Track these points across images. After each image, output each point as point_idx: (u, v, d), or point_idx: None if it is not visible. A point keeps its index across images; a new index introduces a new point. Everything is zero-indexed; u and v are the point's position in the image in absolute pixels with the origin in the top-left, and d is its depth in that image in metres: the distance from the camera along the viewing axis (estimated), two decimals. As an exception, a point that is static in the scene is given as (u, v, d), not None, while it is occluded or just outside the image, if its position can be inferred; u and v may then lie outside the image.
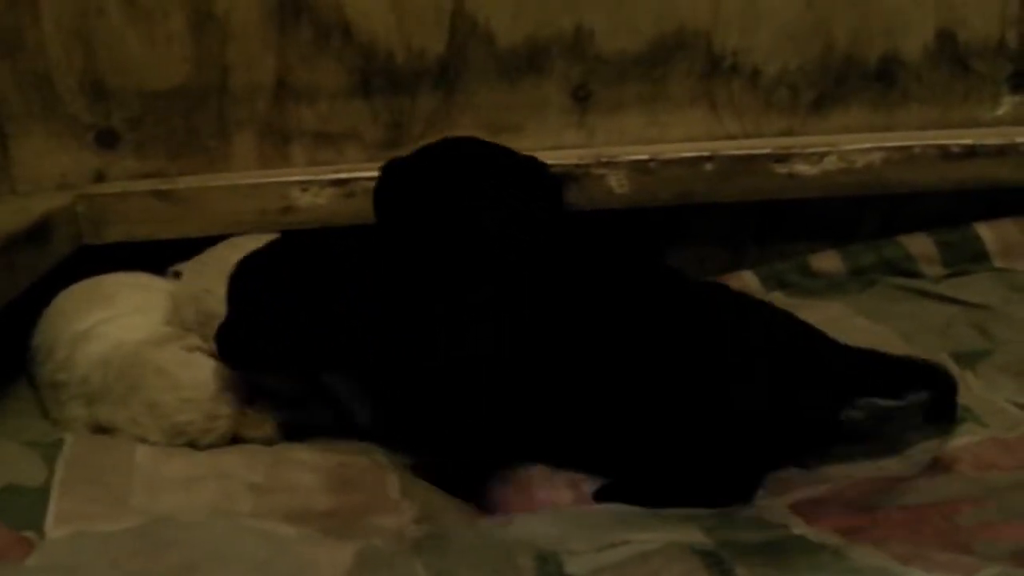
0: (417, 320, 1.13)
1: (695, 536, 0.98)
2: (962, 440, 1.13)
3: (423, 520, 1.09)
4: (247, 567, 0.94)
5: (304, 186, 1.52)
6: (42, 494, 1.05)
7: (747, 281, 1.61)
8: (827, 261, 1.62)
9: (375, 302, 1.12)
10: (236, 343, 1.17)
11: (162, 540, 0.99)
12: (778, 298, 1.56)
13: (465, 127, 1.57)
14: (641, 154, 1.54)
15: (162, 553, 0.96)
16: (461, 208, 1.26)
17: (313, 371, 1.23)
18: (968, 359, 1.32)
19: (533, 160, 1.35)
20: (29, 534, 0.98)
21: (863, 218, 1.65)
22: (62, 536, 0.98)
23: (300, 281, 1.14)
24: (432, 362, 1.11)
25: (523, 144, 1.50)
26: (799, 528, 0.99)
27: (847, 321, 1.43)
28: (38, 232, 1.41)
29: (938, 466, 1.10)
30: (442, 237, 1.24)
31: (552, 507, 1.11)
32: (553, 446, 1.17)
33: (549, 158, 1.44)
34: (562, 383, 1.13)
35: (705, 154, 1.54)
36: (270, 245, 1.21)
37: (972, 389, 1.23)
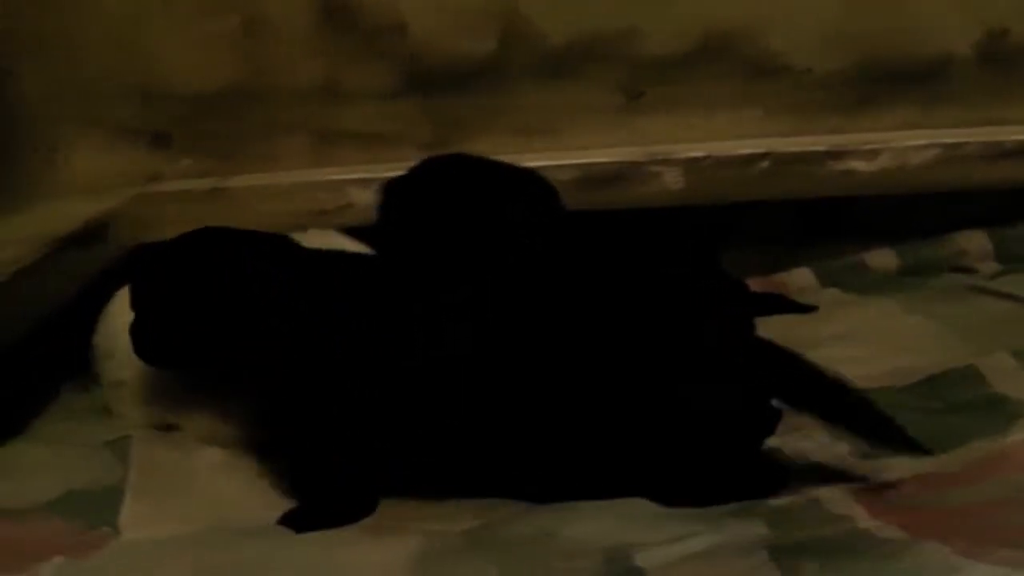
0: (395, 320, 1.11)
1: (760, 530, 0.97)
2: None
3: (474, 515, 1.07)
4: (304, 572, 0.94)
5: (357, 185, 1.52)
6: (115, 493, 1.06)
7: (803, 278, 1.60)
8: (882, 258, 1.61)
9: (344, 302, 1.11)
10: (151, 339, 1.13)
11: (224, 541, 0.99)
12: (834, 295, 1.56)
13: (514, 127, 1.57)
14: (696, 151, 1.53)
15: (223, 552, 0.96)
16: (464, 214, 1.26)
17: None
18: (1026, 355, 1.30)
19: (528, 171, 1.34)
20: (104, 530, 0.99)
21: (917, 215, 1.63)
22: (136, 537, 0.99)
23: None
24: (410, 361, 1.09)
25: (571, 143, 1.52)
26: (864, 521, 0.97)
27: (901, 319, 1.42)
28: (92, 233, 1.43)
29: (999, 462, 1.09)
30: (444, 241, 1.24)
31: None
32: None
33: (600, 157, 1.44)
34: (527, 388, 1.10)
35: (760, 151, 1.54)
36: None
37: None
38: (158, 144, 1.56)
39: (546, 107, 1.56)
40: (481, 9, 1.54)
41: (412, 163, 1.50)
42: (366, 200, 1.48)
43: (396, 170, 1.47)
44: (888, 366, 1.27)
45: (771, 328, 1.38)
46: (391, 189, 1.33)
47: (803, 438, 1.14)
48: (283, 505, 1.07)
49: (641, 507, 1.05)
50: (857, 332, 1.39)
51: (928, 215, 1.64)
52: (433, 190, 1.31)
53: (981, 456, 1.10)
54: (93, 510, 1.01)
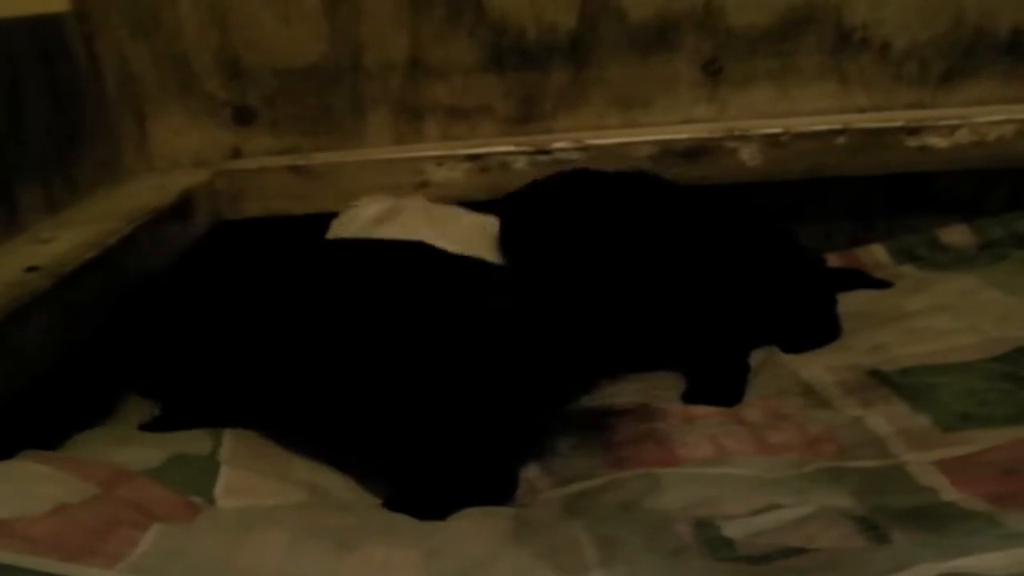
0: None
1: (846, 501, 0.99)
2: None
3: (564, 482, 1.10)
4: (405, 538, 0.95)
5: (439, 161, 1.55)
6: (211, 462, 1.07)
7: (877, 255, 1.61)
8: (957, 235, 1.61)
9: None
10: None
11: (325, 507, 1.02)
12: (909, 271, 1.57)
13: (596, 102, 1.59)
14: (774, 127, 1.54)
15: (325, 517, 0.98)
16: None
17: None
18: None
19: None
20: (197, 499, 1.00)
21: (991, 191, 1.63)
22: (232, 506, 1.01)
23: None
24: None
25: (653, 118, 1.53)
26: (948, 494, 0.99)
27: (980, 294, 1.42)
28: (181, 207, 1.46)
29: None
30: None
31: (692, 462, 1.11)
32: None
33: (680, 132, 1.46)
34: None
35: (837, 127, 1.54)
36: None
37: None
38: (243, 119, 1.58)
39: (626, 83, 1.58)
40: (562, -15, 1.54)
41: (495, 138, 1.53)
42: (444, 177, 1.51)
43: (479, 146, 1.51)
44: (975, 338, 1.28)
45: (853, 303, 1.40)
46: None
47: (887, 407, 1.16)
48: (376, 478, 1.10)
49: (725, 477, 1.07)
50: (940, 306, 1.40)
51: (1002, 190, 1.64)
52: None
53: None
54: (191, 479, 1.03)
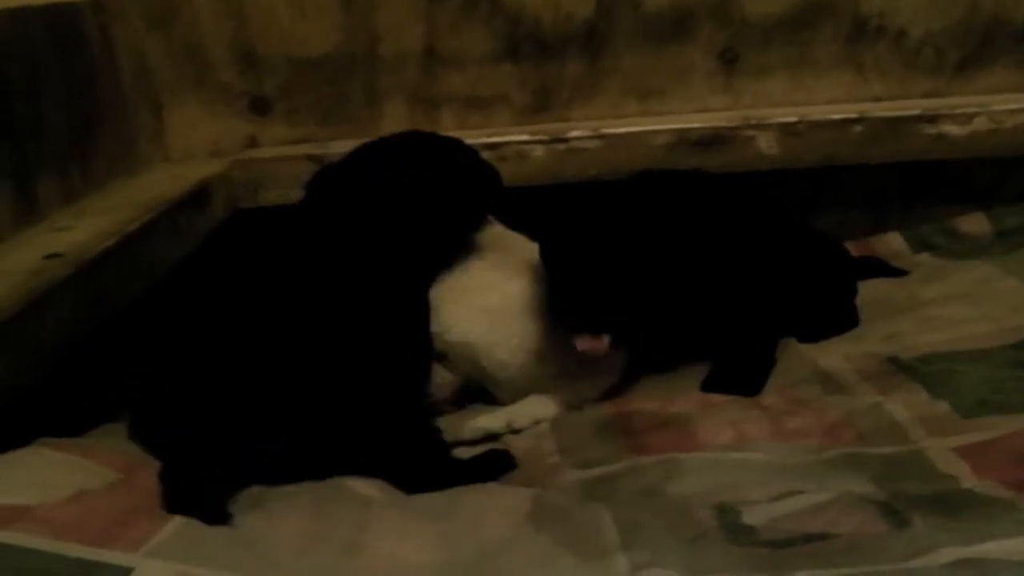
0: None
1: (866, 487, 0.99)
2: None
3: (583, 465, 1.11)
4: (421, 513, 0.96)
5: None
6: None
7: (893, 243, 1.61)
8: (973, 223, 1.61)
9: None
10: None
11: (338, 491, 1.02)
12: (925, 260, 1.57)
13: (611, 91, 1.59)
14: (790, 116, 1.54)
15: (339, 501, 0.99)
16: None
17: None
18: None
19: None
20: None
21: (1008, 179, 1.63)
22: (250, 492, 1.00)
23: None
24: None
25: (668, 107, 1.53)
26: (968, 481, 0.99)
27: (997, 283, 1.43)
28: (198, 196, 1.46)
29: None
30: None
31: (713, 448, 1.12)
32: None
33: (696, 121, 1.46)
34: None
35: (853, 116, 1.54)
36: None
37: None
38: (259, 109, 1.59)
39: (641, 72, 1.58)
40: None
41: (512, 127, 1.53)
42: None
43: (496, 135, 1.51)
44: (991, 326, 1.29)
45: (869, 292, 1.40)
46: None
47: (905, 394, 1.16)
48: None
49: (745, 463, 1.07)
50: (957, 294, 1.41)
51: (1018, 179, 1.64)
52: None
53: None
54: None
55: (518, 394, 1.27)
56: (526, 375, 1.27)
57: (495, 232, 1.37)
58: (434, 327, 1.28)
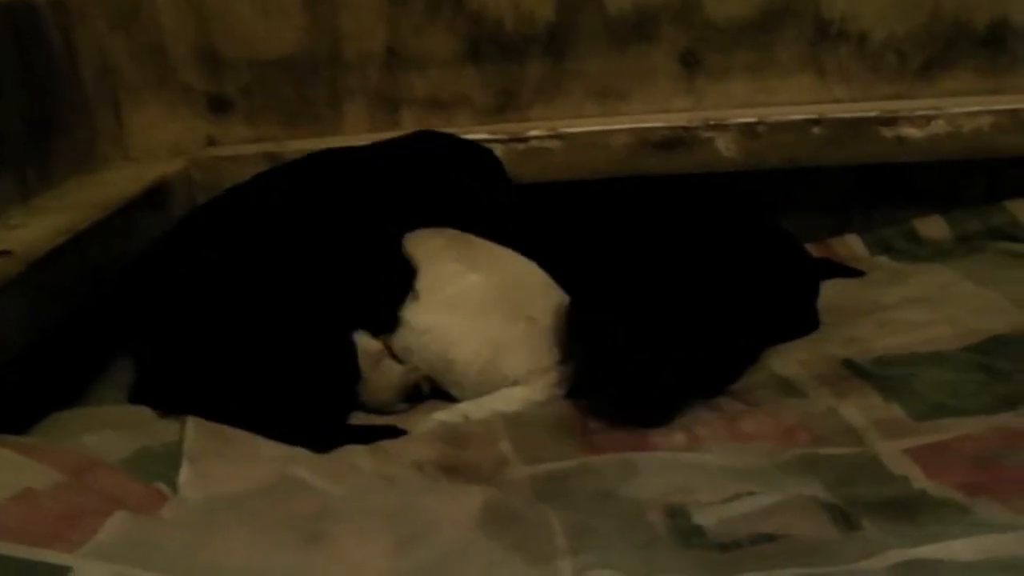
0: None
1: (818, 490, 0.99)
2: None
3: (534, 460, 1.10)
4: (377, 518, 0.95)
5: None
6: (175, 449, 1.08)
7: (853, 246, 1.61)
8: (933, 227, 1.62)
9: None
10: None
11: (292, 493, 1.01)
12: (885, 263, 1.57)
13: (573, 93, 1.59)
14: (749, 117, 1.54)
15: (293, 504, 0.98)
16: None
17: None
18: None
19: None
20: (163, 487, 1.01)
21: (968, 183, 1.64)
22: (197, 495, 1.01)
23: None
24: None
25: (631, 109, 1.52)
26: (920, 482, 0.99)
27: (956, 287, 1.43)
28: (155, 195, 1.45)
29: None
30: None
31: (667, 449, 1.11)
32: None
33: (657, 122, 1.45)
34: None
35: (813, 117, 1.54)
36: None
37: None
38: (219, 108, 1.58)
39: (604, 74, 1.58)
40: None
41: (471, 127, 1.53)
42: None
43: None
44: (949, 329, 1.29)
45: (828, 295, 1.40)
46: None
47: (860, 397, 1.16)
48: (343, 465, 1.10)
49: (699, 465, 1.07)
50: (915, 298, 1.41)
51: (979, 183, 1.65)
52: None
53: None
54: (157, 468, 1.04)
55: (477, 392, 1.27)
56: (487, 372, 1.27)
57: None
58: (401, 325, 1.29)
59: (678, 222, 1.32)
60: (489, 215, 1.39)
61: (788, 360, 1.28)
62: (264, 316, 1.20)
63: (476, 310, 1.28)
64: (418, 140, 1.43)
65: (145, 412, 1.17)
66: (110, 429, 1.10)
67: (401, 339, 1.29)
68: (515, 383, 1.26)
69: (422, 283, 1.30)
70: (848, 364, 1.24)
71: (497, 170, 1.45)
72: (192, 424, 1.13)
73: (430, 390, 1.30)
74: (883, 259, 1.59)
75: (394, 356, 1.30)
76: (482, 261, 1.32)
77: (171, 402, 1.16)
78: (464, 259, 1.32)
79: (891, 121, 1.55)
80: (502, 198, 1.44)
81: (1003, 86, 1.61)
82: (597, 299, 1.23)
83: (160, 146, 1.60)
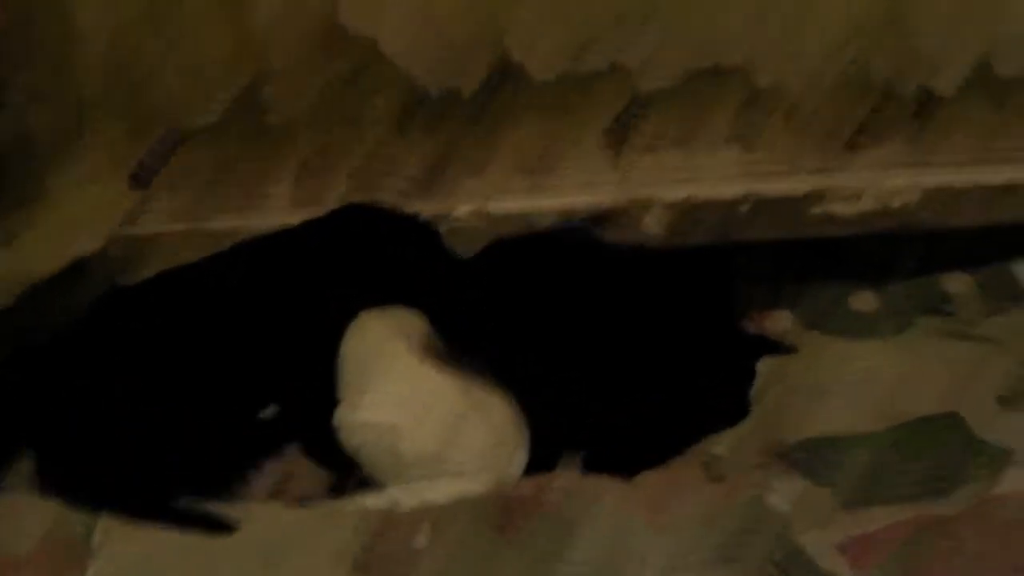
0: None
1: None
2: (1008, 482, 1.15)
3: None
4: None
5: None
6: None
7: (783, 320, 1.60)
8: (863, 300, 1.62)
9: None
10: None
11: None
12: (815, 337, 1.56)
13: (500, 165, 1.56)
14: (677, 194, 1.53)
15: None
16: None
17: None
18: (1009, 401, 1.31)
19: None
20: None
21: (901, 256, 1.63)
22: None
23: None
24: None
25: (556, 183, 1.51)
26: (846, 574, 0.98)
27: (884, 363, 1.44)
28: (71, 274, 1.43)
29: (985, 507, 1.10)
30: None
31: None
32: None
33: (583, 196, 1.44)
34: None
35: (740, 195, 1.54)
36: None
37: (1018, 431, 1.23)
38: (140, 182, 1.54)
39: (529, 147, 1.55)
40: (466, 44, 1.52)
41: (400, 200, 1.51)
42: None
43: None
44: (876, 410, 1.30)
45: (761, 370, 1.40)
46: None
47: (786, 482, 1.15)
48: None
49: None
50: (842, 375, 1.41)
51: (912, 255, 1.64)
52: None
53: (970, 501, 1.11)
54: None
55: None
56: (434, 465, 1.24)
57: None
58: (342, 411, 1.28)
59: (626, 299, 1.31)
60: (432, 288, 1.38)
61: (714, 442, 1.27)
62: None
63: (427, 403, 1.26)
64: (349, 214, 1.42)
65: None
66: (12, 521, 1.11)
67: (348, 436, 1.27)
68: (459, 474, 1.24)
69: (367, 377, 1.29)
70: (775, 447, 1.23)
71: (435, 241, 1.44)
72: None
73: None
74: (814, 334, 1.58)
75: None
76: (430, 350, 1.30)
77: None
78: (413, 350, 1.30)
79: (820, 198, 1.55)
80: (443, 269, 1.43)
81: (932, 156, 1.61)
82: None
83: (78, 220, 1.56)
